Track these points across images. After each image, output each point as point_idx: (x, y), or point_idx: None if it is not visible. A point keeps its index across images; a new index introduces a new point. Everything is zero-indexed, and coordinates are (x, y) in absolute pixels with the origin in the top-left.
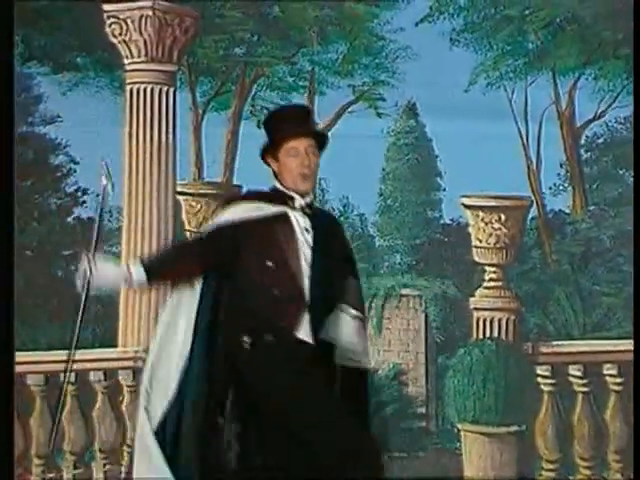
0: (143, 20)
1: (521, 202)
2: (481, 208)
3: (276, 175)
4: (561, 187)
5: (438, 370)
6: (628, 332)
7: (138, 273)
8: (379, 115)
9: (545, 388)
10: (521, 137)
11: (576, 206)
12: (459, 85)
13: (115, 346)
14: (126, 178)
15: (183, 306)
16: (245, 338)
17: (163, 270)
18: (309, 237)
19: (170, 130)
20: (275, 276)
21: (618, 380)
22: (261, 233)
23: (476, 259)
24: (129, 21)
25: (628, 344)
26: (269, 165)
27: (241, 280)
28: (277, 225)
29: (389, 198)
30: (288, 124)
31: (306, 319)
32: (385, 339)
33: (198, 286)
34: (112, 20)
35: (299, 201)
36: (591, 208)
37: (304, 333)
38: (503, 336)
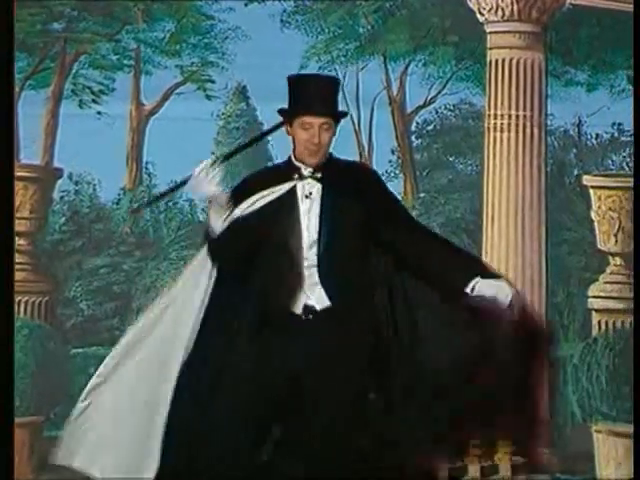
0: None
1: None
2: None
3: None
4: (392, 174)
5: None
6: None
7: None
8: (208, 97)
9: None
10: (353, 123)
11: (407, 193)
12: (290, 68)
13: None
14: None
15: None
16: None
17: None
18: (313, 204)
19: None
20: (275, 260)
21: None
22: (264, 225)
23: None
24: None
25: None
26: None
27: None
28: (281, 207)
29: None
30: (310, 99)
31: (313, 291)
32: None
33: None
34: None
35: (306, 170)
36: (422, 195)
37: (313, 301)
38: None
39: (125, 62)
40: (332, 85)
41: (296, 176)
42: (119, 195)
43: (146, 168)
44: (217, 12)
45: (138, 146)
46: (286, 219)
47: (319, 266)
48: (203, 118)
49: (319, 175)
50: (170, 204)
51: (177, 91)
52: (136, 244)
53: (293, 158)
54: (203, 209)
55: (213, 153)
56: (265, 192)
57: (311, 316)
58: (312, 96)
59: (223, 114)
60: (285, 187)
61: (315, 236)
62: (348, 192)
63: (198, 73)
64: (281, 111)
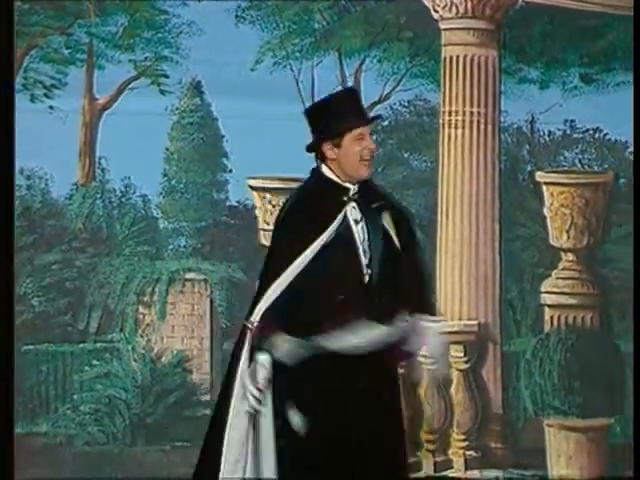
0: None
1: None
2: (268, 190)
3: (323, 162)
4: None
5: (224, 356)
6: None
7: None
8: (162, 92)
9: None
10: None
11: None
12: (245, 63)
13: None
14: None
15: None
16: None
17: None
18: (360, 228)
19: None
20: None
21: (402, 363)
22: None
23: (263, 242)
24: None
25: None
26: (319, 152)
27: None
28: (339, 240)
29: (173, 179)
30: (356, 111)
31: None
32: (169, 325)
33: None
34: None
35: (353, 190)
36: None
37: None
38: None
39: (77, 56)
40: (358, 94)
41: (345, 198)
42: (71, 190)
43: (99, 163)
44: (171, 7)
45: (91, 141)
46: (345, 251)
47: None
48: (157, 113)
49: (357, 195)
50: (123, 200)
51: (131, 86)
52: (89, 240)
53: (336, 178)
54: (157, 205)
55: (167, 149)
56: (322, 235)
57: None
58: (356, 109)
59: (177, 109)
60: (339, 217)
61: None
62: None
63: (152, 68)
64: (324, 136)
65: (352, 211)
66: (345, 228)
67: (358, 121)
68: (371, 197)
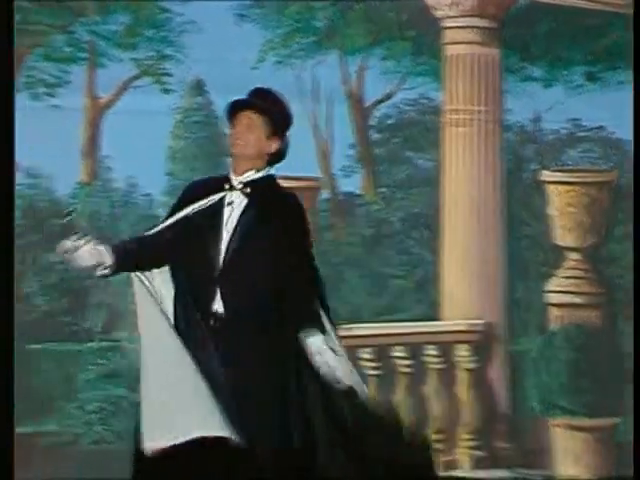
0: None
1: (312, 183)
2: None
3: None
4: (352, 168)
5: None
6: (417, 315)
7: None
8: (165, 91)
9: None
10: (311, 117)
11: (367, 188)
12: (248, 62)
13: None
14: None
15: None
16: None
17: (132, 259)
18: (230, 211)
19: None
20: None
21: (407, 362)
22: (192, 228)
23: None
24: None
25: (417, 326)
26: None
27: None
28: (207, 212)
29: (177, 177)
30: (227, 108)
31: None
32: None
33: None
34: None
35: (236, 179)
36: (381, 190)
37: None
38: None
39: (79, 55)
40: (256, 89)
41: (227, 186)
42: (75, 189)
43: (102, 162)
44: (173, 5)
45: (94, 140)
46: (209, 226)
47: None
48: (160, 111)
49: (248, 190)
50: (127, 198)
51: (133, 84)
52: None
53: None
54: (161, 204)
55: (170, 147)
56: (200, 202)
57: (217, 322)
58: (248, 95)
59: (180, 108)
60: (215, 198)
61: (224, 251)
62: (271, 218)
63: (154, 66)
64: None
65: (232, 195)
66: (215, 208)
67: (236, 103)
68: (267, 198)
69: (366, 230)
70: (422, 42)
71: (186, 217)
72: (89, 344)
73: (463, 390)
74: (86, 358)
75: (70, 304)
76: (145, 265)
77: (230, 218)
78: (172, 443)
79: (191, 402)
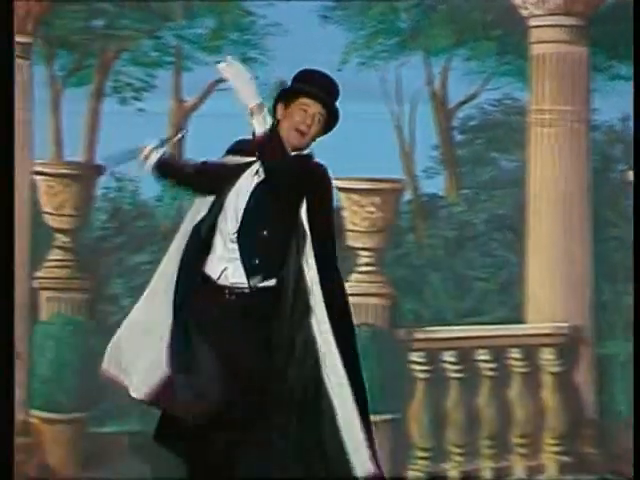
0: None
1: (395, 185)
2: (355, 191)
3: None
4: (435, 170)
5: None
6: (501, 317)
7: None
8: None
9: (419, 375)
10: (395, 118)
11: (450, 189)
12: (331, 64)
13: None
14: None
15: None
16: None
17: (174, 172)
18: (256, 179)
19: (26, 106)
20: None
21: (491, 366)
22: (220, 178)
23: (350, 243)
24: None
25: (501, 329)
26: (274, 112)
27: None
28: (235, 171)
29: None
30: (315, 85)
31: (223, 256)
32: None
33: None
34: None
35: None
36: (464, 191)
37: (212, 270)
38: (377, 322)
39: (166, 59)
40: (334, 85)
41: (258, 153)
42: (161, 192)
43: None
44: (257, 8)
45: (179, 143)
46: (228, 187)
47: (240, 245)
48: (244, 114)
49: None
50: None
51: (218, 87)
52: None
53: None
54: None
55: None
56: (235, 157)
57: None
58: (318, 84)
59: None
60: (246, 159)
61: (241, 215)
62: (292, 184)
63: None
64: (283, 92)
65: (258, 166)
66: (243, 168)
67: (311, 89)
68: (293, 176)
69: (449, 232)
70: (507, 42)
71: (222, 164)
72: None
73: (548, 394)
74: None
75: None
76: (180, 181)
77: (253, 184)
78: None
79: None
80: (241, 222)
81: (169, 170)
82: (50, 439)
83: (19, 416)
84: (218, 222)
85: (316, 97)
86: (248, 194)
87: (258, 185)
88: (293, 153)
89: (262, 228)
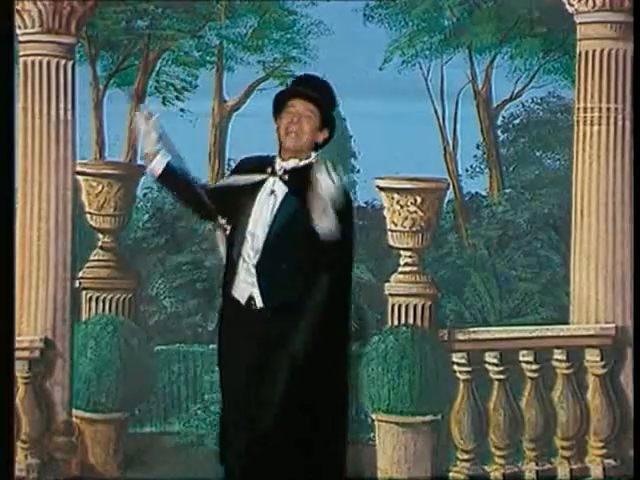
0: None
1: (437, 184)
2: (396, 190)
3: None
4: (478, 169)
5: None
6: (544, 318)
7: (159, 162)
8: None
9: (461, 376)
10: (437, 117)
11: (493, 189)
12: (373, 63)
13: None
14: (20, 156)
15: None
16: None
17: (178, 183)
18: (273, 200)
19: (69, 106)
20: (231, 239)
21: (534, 367)
22: (232, 200)
23: (391, 243)
24: None
25: (544, 330)
26: (277, 128)
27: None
28: (247, 191)
29: None
30: (295, 83)
31: (247, 281)
32: None
33: None
34: None
35: (279, 165)
36: (507, 191)
37: (239, 294)
38: (418, 322)
39: (208, 58)
40: (317, 80)
41: (269, 170)
42: None
43: (229, 165)
44: (299, 7)
45: (221, 142)
46: (246, 205)
47: (258, 266)
48: None
49: (287, 177)
50: None
51: (259, 87)
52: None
53: (276, 153)
54: None
55: None
56: (242, 177)
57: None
58: (299, 83)
59: None
60: (258, 178)
61: (265, 234)
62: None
63: (280, 69)
64: (273, 110)
65: (275, 183)
66: (256, 188)
67: (291, 87)
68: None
69: (491, 232)
70: (553, 39)
71: (228, 186)
72: (212, 345)
73: (593, 396)
74: (210, 359)
75: (195, 306)
76: (182, 197)
77: (273, 206)
78: None
79: None
80: (262, 253)
81: (173, 183)
82: (91, 439)
83: (61, 416)
84: (242, 249)
85: (297, 93)
86: (267, 226)
87: (278, 211)
88: (301, 163)
89: (282, 259)
